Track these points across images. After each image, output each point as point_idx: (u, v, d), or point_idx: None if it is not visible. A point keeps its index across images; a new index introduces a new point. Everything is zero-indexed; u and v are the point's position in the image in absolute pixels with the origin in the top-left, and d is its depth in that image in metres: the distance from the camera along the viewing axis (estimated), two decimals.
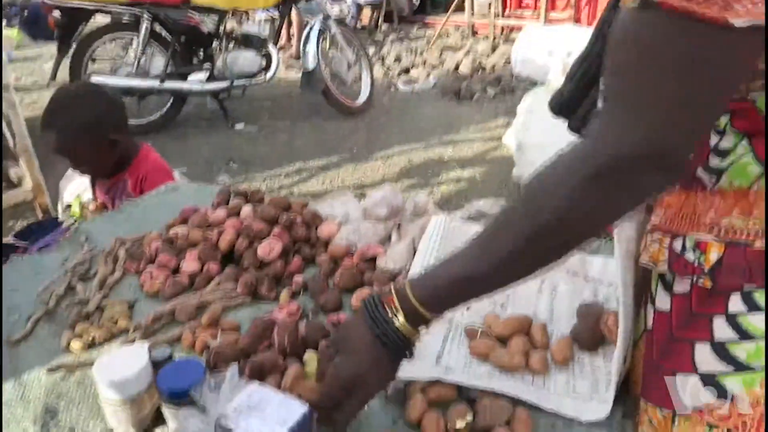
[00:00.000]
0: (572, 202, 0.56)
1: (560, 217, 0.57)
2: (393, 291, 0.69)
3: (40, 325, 1.01)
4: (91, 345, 0.94)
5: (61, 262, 1.21)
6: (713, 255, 0.62)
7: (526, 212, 0.60)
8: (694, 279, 0.64)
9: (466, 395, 0.81)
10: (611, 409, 0.77)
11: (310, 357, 0.89)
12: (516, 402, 0.79)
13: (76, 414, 0.82)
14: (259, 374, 0.84)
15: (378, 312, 0.69)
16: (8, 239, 1.58)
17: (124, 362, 0.77)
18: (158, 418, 0.79)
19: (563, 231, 0.58)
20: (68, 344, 0.94)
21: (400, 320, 0.67)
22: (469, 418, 0.76)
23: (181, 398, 0.74)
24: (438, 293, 0.67)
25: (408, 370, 0.80)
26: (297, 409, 0.71)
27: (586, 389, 0.82)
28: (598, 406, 0.78)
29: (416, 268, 0.99)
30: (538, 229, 0.58)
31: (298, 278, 1.12)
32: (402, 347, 0.69)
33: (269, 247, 1.15)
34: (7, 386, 0.87)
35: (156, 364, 0.81)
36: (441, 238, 1.14)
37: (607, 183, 0.54)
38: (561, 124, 0.76)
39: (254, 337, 0.90)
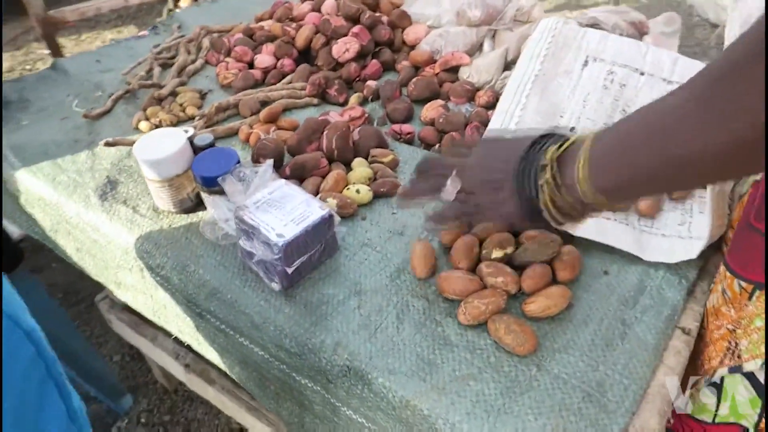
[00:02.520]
0: None
1: None
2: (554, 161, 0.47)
3: (119, 104, 1.03)
4: (158, 127, 0.95)
5: (152, 47, 1.22)
6: None
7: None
8: None
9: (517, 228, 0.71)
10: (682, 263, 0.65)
11: (359, 163, 0.83)
12: (570, 239, 0.69)
13: (132, 188, 0.85)
14: (300, 174, 0.80)
15: (530, 177, 0.49)
16: None
17: (164, 144, 0.76)
18: (201, 202, 0.79)
19: None
20: (137, 124, 0.96)
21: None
22: (510, 249, 0.67)
23: (212, 185, 0.73)
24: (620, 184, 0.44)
25: None
26: (317, 211, 0.67)
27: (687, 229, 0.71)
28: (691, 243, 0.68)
29: (512, 84, 0.84)
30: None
31: (372, 83, 1.02)
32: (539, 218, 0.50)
33: (345, 47, 1.05)
34: (82, 155, 0.92)
35: (196, 150, 0.79)
36: (550, 45, 0.94)
37: None
38: None
39: (303, 136, 0.84)
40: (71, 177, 0.88)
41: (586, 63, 0.88)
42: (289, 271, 0.66)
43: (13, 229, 1.29)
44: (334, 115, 0.91)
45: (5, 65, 3.18)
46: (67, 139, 0.96)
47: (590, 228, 0.71)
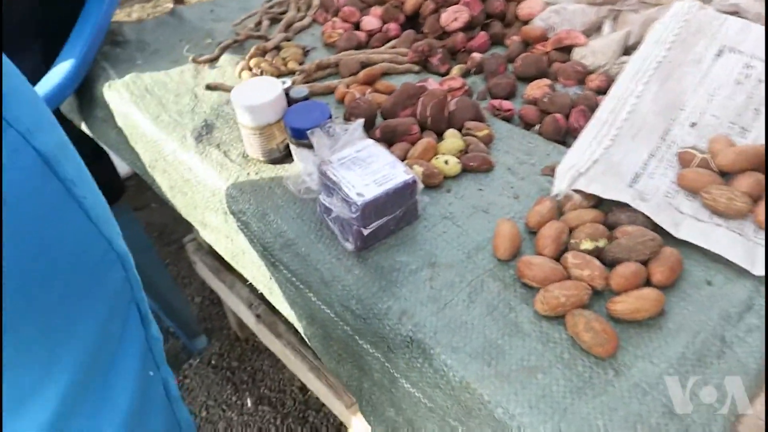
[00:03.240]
0: None
1: None
2: None
3: (226, 53, 1.06)
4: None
5: (264, 1, 1.24)
6: None
7: None
8: None
9: (614, 219, 0.65)
10: None
11: (451, 134, 0.80)
12: (672, 241, 0.62)
13: (226, 134, 0.87)
14: (390, 137, 0.78)
15: None
16: None
17: (260, 92, 0.76)
18: (289, 154, 0.80)
19: None
20: (240, 73, 0.98)
21: None
22: (601, 242, 0.62)
23: (302, 137, 0.73)
24: None
25: (592, 183, 0.67)
26: (401, 175, 0.65)
27: None
28: None
29: (631, 69, 0.77)
30: None
31: (476, 56, 0.98)
32: None
33: (453, 15, 1.01)
34: (185, 98, 0.95)
35: (291, 102, 0.79)
36: (680, 29, 0.84)
37: None
38: None
39: (398, 100, 0.82)
40: (172, 117, 0.91)
41: (720, 53, 0.79)
42: (365, 232, 0.65)
43: (123, 167, 1.37)
44: (433, 83, 0.88)
45: (134, 16, 3.39)
46: (173, 81, 0.99)
47: (696, 232, 0.64)
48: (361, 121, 0.73)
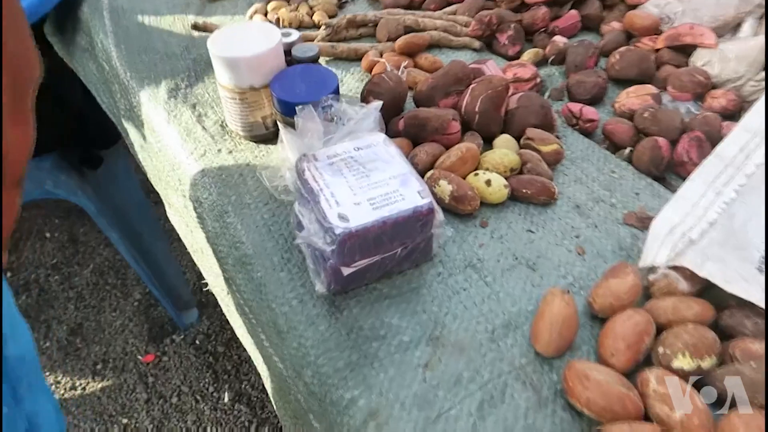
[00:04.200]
0: None
1: None
2: None
3: None
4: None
5: None
6: None
7: None
8: None
9: (731, 322, 0.42)
10: None
11: (505, 141, 0.57)
12: None
13: (209, 93, 0.66)
14: (416, 133, 0.56)
15: None
16: None
17: (249, 42, 0.55)
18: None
19: None
20: (252, 15, 0.77)
21: None
22: (708, 361, 0.38)
23: (290, 114, 0.51)
24: None
25: (706, 262, 0.43)
26: (413, 198, 0.43)
27: None
28: None
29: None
30: None
31: (560, 40, 0.73)
32: None
33: None
34: (178, 36, 0.75)
35: (292, 61, 0.58)
36: None
37: None
38: None
39: (439, 83, 0.59)
40: (158, 56, 0.71)
41: None
42: (345, 272, 0.43)
43: None
44: (493, 66, 0.64)
45: None
46: (170, 15, 0.79)
47: None
48: (378, 104, 0.51)
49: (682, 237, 0.45)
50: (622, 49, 0.69)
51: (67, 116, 1.04)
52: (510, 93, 0.60)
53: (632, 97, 0.64)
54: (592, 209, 0.52)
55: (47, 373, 1.36)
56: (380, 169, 0.44)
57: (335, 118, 0.49)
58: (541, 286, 0.46)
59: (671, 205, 0.48)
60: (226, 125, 0.61)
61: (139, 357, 1.36)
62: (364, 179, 0.43)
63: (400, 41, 0.69)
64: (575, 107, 0.63)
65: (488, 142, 0.58)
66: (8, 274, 1.59)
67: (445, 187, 0.50)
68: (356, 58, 0.71)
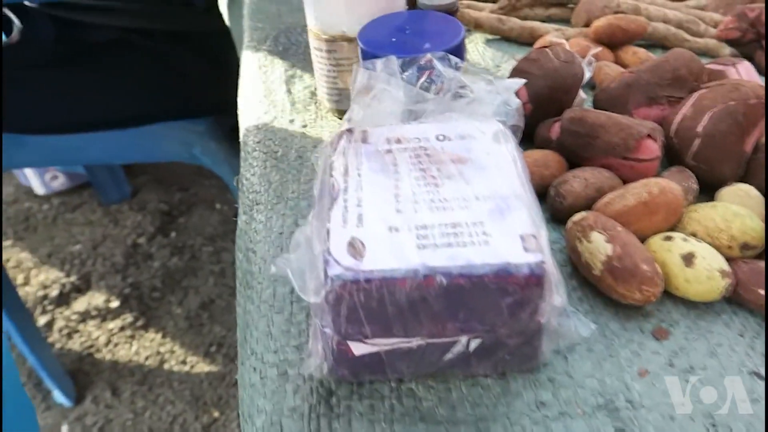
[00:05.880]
0: None
1: None
2: None
3: None
4: None
5: None
6: None
7: None
8: None
9: None
10: None
11: (743, 195, 0.31)
12: None
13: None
14: (578, 146, 0.33)
15: None
16: None
17: None
18: None
19: None
20: None
21: None
22: None
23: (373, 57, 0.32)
24: None
25: None
26: (510, 248, 0.21)
27: None
28: None
29: None
30: None
31: None
32: None
33: None
34: None
35: (418, 8, 0.39)
36: None
37: None
38: None
39: (642, 79, 0.35)
40: (287, 8, 0.58)
41: None
42: (357, 350, 0.23)
43: None
44: (745, 71, 0.38)
45: None
46: None
47: None
48: (519, 82, 0.30)
49: None
50: None
51: (227, 80, 0.98)
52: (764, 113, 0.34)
53: None
54: None
55: (168, 340, 1.35)
56: (466, 179, 0.23)
57: (438, 83, 0.29)
58: None
59: None
60: (317, 94, 0.44)
61: None
62: (429, 189, 0.23)
63: (599, 22, 0.46)
64: None
65: (709, 190, 0.33)
66: (173, 234, 1.65)
67: (600, 246, 0.27)
68: (529, 41, 0.49)
